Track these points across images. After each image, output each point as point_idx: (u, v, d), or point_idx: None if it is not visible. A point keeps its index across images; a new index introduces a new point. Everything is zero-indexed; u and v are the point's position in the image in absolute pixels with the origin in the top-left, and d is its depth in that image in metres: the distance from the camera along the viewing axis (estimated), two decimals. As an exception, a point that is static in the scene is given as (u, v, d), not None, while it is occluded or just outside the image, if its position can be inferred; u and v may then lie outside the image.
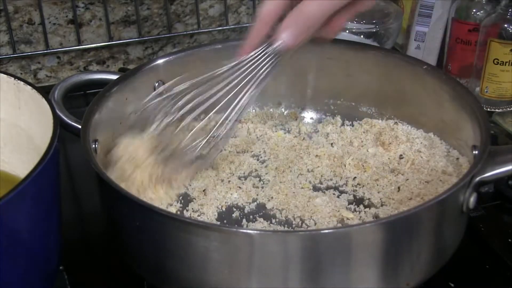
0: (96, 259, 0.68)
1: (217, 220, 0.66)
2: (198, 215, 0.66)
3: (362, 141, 0.77)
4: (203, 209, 0.67)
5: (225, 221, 0.66)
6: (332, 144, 0.77)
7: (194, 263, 0.53)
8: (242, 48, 0.64)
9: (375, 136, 0.77)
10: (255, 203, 0.68)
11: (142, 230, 0.55)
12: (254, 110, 0.82)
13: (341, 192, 0.69)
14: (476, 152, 0.62)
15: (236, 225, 0.65)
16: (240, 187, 0.70)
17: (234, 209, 0.67)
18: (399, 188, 0.69)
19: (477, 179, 0.57)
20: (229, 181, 0.71)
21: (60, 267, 0.63)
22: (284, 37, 0.61)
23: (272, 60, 0.63)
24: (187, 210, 0.67)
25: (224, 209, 0.67)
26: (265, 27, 0.63)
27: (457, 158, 0.70)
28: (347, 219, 0.65)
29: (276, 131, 0.80)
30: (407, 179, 0.70)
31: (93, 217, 0.74)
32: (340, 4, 0.61)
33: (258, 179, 0.71)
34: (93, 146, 0.63)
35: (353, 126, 0.79)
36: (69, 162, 0.83)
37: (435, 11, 0.96)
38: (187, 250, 0.53)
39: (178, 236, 0.53)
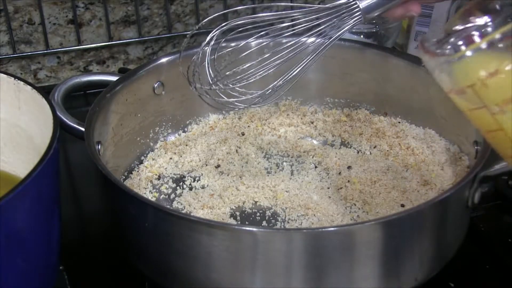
0: (96, 259, 0.68)
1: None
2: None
3: (362, 139, 0.77)
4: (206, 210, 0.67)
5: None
6: (332, 142, 0.78)
7: (200, 261, 0.54)
8: None
9: (375, 134, 0.77)
10: (258, 202, 0.68)
11: (150, 230, 0.55)
12: (253, 108, 0.82)
13: (344, 190, 0.69)
14: (478, 147, 0.63)
15: (240, 223, 0.65)
16: (242, 186, 0.70)
17: (237, 209, 0.67)
18: (400, 184, 0.69)
19: (481, 174, 0.58)
20: (232, 181, 0.71)
21: (60, 267, 0.63)
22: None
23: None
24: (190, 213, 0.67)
25: (227, 209, 0.67)
26: None
27: (458, 154, 0.70)
28: (353, 218, 0.65)
29: (275, 130, 0.80)
30: (408, 176, 0.70)
31: (93, 217, 0.74)
32: None
33: (259, 177, 0.72)
34: (97, 147, 0.63)
35: (352, 124, 0.79)
36: (69, 162, 0.83)
37: (435, 10, 0.96)
38: (194, 248, 0.53)
39: (185, 234, 0.53)
